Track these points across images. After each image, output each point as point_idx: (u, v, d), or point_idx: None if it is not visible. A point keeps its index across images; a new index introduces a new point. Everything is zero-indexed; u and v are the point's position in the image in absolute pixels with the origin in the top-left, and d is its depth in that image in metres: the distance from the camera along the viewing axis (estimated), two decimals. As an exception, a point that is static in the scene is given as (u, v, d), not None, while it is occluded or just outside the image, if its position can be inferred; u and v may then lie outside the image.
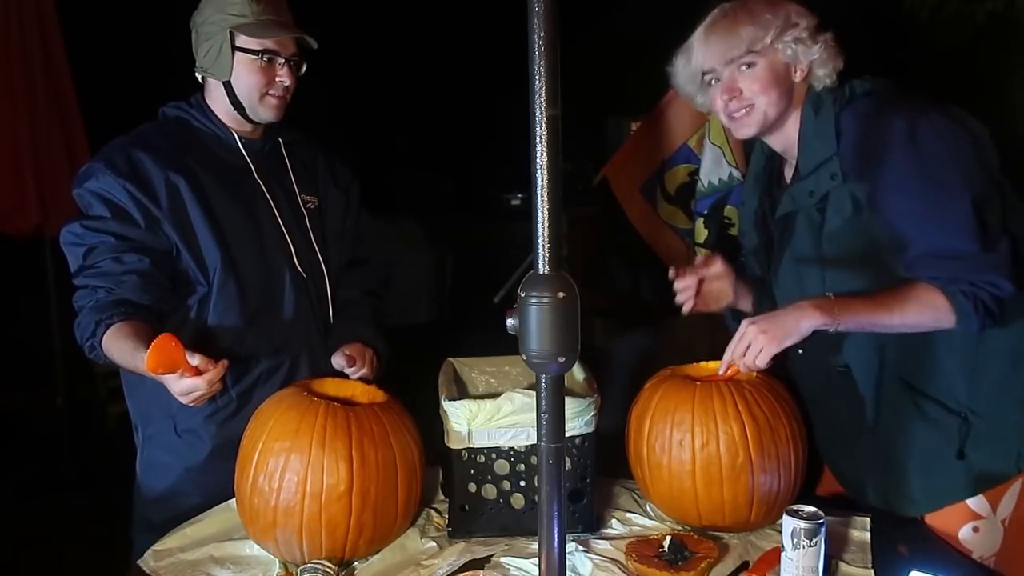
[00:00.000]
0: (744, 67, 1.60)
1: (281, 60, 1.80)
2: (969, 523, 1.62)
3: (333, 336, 1.93)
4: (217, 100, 1.85)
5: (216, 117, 1.86)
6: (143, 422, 1.88)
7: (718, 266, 1.84)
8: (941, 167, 1.48)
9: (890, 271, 1.54)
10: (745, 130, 1.64)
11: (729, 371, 1.63)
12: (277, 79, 1.81)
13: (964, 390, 1.59)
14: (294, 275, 1.87)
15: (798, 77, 1.62)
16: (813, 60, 1.59)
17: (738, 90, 1.61)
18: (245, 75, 1.80)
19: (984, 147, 1.54)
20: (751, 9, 1.59)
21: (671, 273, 1.83)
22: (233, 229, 1.81)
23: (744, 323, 1.56)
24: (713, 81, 1.65)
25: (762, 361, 1.53)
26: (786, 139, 1.68)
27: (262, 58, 1.78)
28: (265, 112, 1.83)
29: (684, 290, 1.82)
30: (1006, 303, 1.48)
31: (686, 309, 1.83)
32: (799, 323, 1.52)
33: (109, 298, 1.67)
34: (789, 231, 1.69)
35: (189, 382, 1.53)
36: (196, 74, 1.87)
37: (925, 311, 1.50)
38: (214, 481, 1.73)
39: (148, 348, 1.49)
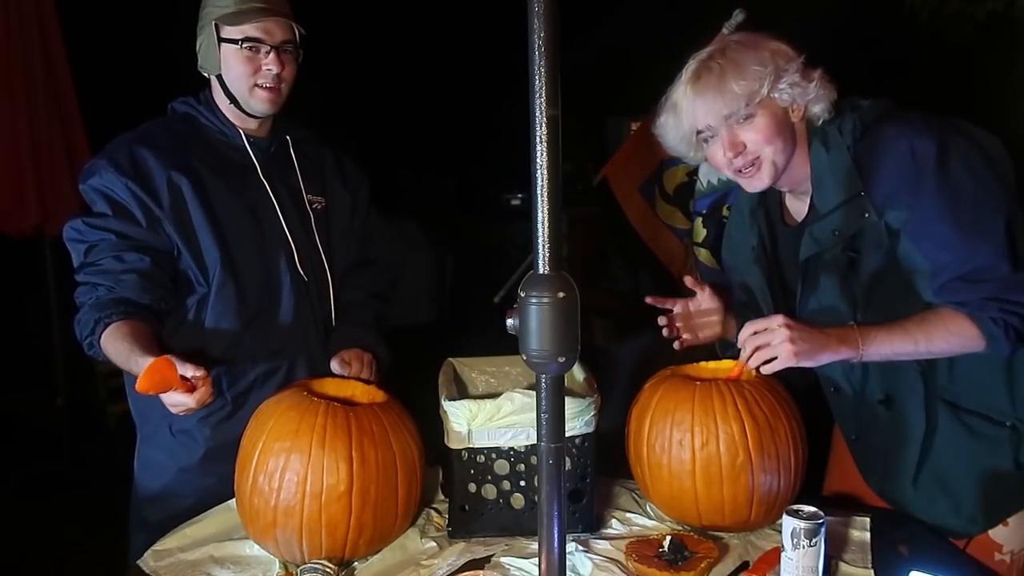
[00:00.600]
0: (743, 119, 1.53)
1: (267, 48, 1.76)
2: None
3: (334, 340, 1.92)
4: (219, 96, 1.84)
5: (222, 114, 1.85)
6: (141, 420, 1.88)
7: (707, 300, 1.82)
8: (972, 191, 1.46)
9: (920, 303, 1.52)
10: (757, 183, 1.58)
11: (734, 370, 1.62)
12: (263, 67, 1.77)
13: (1007, 400, 1.57)
14: (295, 277, 1.86)
15: (796, 117, 1.57)
16: (809, 99, 1.54)
17: (741, 144, 1.54)
18: (232, 65, 1.78)
19: (1002, 162, 1.52)
20: (737, 61, 1.52)
21: (647, 300, 1.82)
22: (234, 230, 1.80)
23: (778, 319, 1.48)
24: (709, 138, 1.58)
25: (769, 369, 1.50)
26: (791, 179, 1.63)
27: (243, 46, 1.75)
28: (257, 104, 1.81)
29: (666, 325, 1.81)
30: None
31: (677, 344, 1.81)
32: (824, 352, 1.48)
33: (109, 296, 1.67)
34: (814, 272, 1.64)
35: (179, 397, 1.52)
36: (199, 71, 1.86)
37: (952, 338, 1.48)
38: (208, 482, 1.74)
39: (142, 353, 1.51)
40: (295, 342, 1.87)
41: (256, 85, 1.79)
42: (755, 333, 1.50)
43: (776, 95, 1.52)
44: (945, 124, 1.52)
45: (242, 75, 1.78)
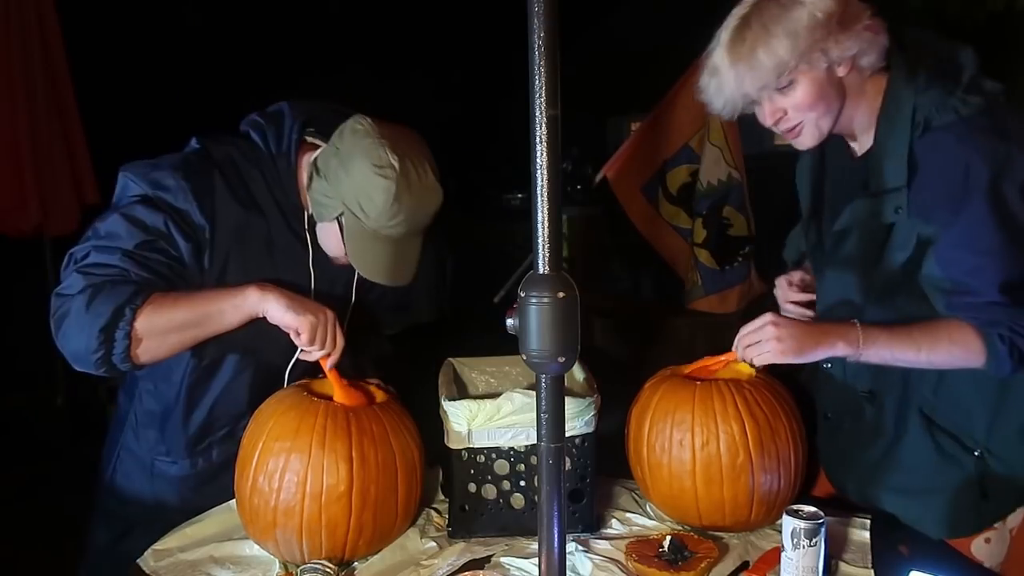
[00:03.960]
0: (781, 88, 1.47)
1: None
2: (982, 535, 1.60)
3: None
4: (304, 182, 1.64)
5: (295, 188, 1.66)
6: (124, 431, 1.77)
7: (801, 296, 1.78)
8: (1013, 225, 1.41)
9: (930, 309, 1.50)
10: (804, 143, 1.54)
11: (726, 357, 1.63)
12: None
13: (983, 429, 1.56)
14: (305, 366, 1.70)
15: (843, 72, 1.47)
16: (852, 55, 1.45)
17: (781, 111, 1.50)
18: (329, 242, 1.63)
19: None
20: (767, 28, 1.43)
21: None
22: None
23: (767, 318, 1.49)
24: (753, 103, 1.52)
25: (761, 362, 1.52)
26: (848, 129, 1.56)
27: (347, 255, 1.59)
28: (335, 260, 1.66)
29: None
30: None
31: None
32: (816, 348, 1.48)
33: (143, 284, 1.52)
34: (843, 245, 1.61)
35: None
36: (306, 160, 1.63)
37: (955, 350, 1.46)
38: (188, 505, 1.68)
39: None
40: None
41: (342, 259, 1.64)
42: (745, 336, 1.53)
43: (808, 64, 1.44)
44: (1014, 148, 1.42)
45: (331, 253, 1.65)
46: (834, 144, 1.66)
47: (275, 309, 1.53)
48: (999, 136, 1.43)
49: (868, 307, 1.59)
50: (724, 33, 1.49)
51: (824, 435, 1.79)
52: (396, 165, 1.49)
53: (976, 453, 1.56)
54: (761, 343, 1.50)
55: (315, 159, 1.60)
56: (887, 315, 1.55)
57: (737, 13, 1.48)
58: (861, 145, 1.61)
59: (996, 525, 1.60)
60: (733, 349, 1.57)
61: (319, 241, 1.66)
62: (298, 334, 1.55)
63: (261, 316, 1.55)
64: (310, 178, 1.59)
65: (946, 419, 1.58)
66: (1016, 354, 1.42)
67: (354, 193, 1.51)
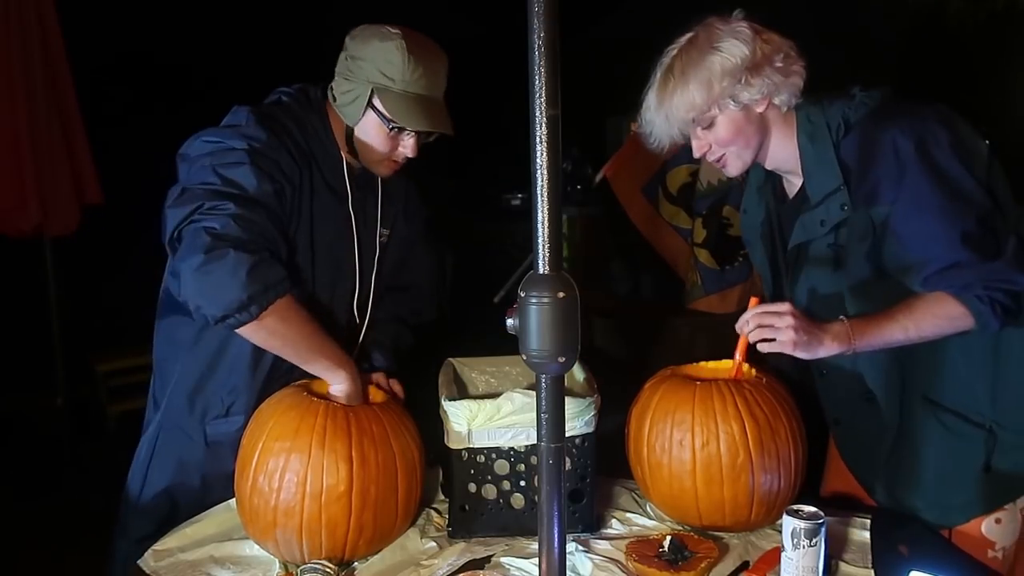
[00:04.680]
0: (703, 125, 1.60)
1: (411, 131, 1.69)
2: (992, 515, 1.62)
3: None
4: (337, 124, 1.74)
5: (333, 136, 1.75)
6: (169, 414, 1.78)
7: None
8: (951, 182, 1.47)
9: (907, 289, 1.53)
10: (731, 172, 1.67)
11: (734, 369, 1.64)
12: (401, 148, 1.71)
13: (987, 401, 1.58)
14: (349, 318, 1.81)
15: (761, 108, 1.59)
16: (764, 95, 1.56)
17: (707, 144, 1.63)
18: (371, 135, 1.70)
19: (980, 148, 1.53)
20: (684, 73, 1.55)
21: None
22: (313, 257, 1.73)
23: (787, 307, 1.51)
24: (686, 136, 1.65)
25: (768, 349, 1.53)
26: (776, 162, 1.67)
27: (391, 129, 1.67)
28: (379, 170, 1.76)
29: None
30: (1023, 297, 1.47)
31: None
32: (819, 348, 1.50)
33: (263, 245, 1.56)
34: (803, 259, 1.69)
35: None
36: (329, 93, 1.75)
37: (940, 321, 1.49)
38: (229, 495, 1.67)
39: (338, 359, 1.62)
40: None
41: (386, 159, 1.73)
42: (763, 313, 1.53)
43: (721, 106, 1.56)
44: (929, 118, 1.53)
45: (377, 147, 1.71)
46: (771, 191, 1.79)
47: (341, 396, 1.64)
48: (910, 112, 1.55)
49: (848, 306, 1.61)
50: (656, 74, 1.61)
51: (842, 442, 1.80)
52: (398, 31, 1.66)
53: (987, 427, 1.58)
54: (778, 330, 1.50)
55: (335, 74, 1.73)
56: (868, 308, 1.57)
57: (667, 55, 1.61)
58: (793, 185, 1.72)
59: (1007, 506, 1.61)
60: (740, 327, 1.56)
61: (363, 143, 1.72)
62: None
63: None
64: (335, 98, 1.72)
65: (950, 398, 1.60)
66: (999, 308, 1.45)
67: (375, 66, 1.64)
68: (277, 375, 1.73)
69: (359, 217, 1.80)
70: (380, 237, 1.87)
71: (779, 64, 1.55)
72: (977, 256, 1.45)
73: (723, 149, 1.62)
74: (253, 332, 1.56)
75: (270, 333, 1.57)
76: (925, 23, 4.55)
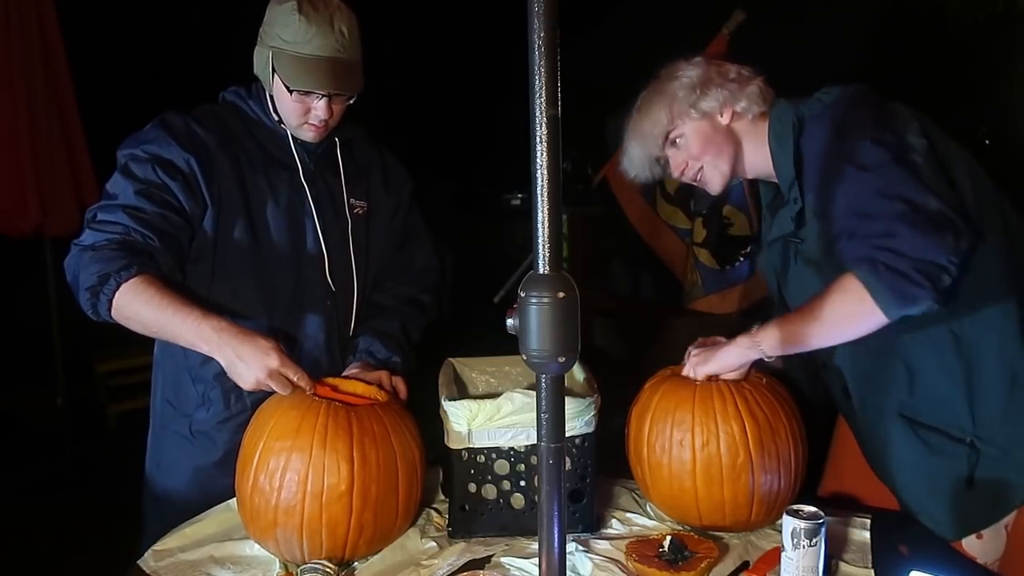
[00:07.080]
0: (673, 145, 1.70)
1: (319, 95, 1.69)
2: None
3: (349, 348, 1.87)
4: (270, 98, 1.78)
5: (270, 111, 1.78)
6: (159, 419, 1.85)
7: None
8: (856, 159, 1.47)
9: None
10: (713, 188, 1.72)
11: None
12: (313, 111, 1.71)
13: (967, 417, 1.57)
14: (324, 287, 1.82)
15: (726, 119, 1.67)
16: (723, 104, 1.65)
17: (683, 162, 1.71)
18: (283, 100, 1.72)
19: (916, 141, 1.50)
20: (650, 102, 1.70)
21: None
22: (268, 232, 1.76)
23: (691, 349, 1.70)
24: (664, 164, 1.75)
25: (700, 376, 1.64)
26: (755, 170, 1.72)
27: (291, 91, 1.68)
28: (304, 134, 1.77)
29: None
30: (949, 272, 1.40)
31: None
32: (727, 358, 1.61)
33: (126, 239, 1.62)
34: (789, 257, 1.73)
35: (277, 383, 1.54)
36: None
37: (838, 298, 1.45)
38: (224, 483, 1.69)
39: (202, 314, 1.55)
40: (318, 348, 1.83)
41: (304, 122, 1.74)
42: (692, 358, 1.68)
43: (684, 120, 1.67)
44: (863, 107, 1.56)
45: (291, 112, 1.72)
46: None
47: (221, 362, 1.57)
48: (851, 104, 1.59)
49: None
50: (632, 113, 1.74)
51: (859, 440, 1.80)
52: None
53: (967, 441, 1.57)
54: (694, 367, 1.65)
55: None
56: None
57: (640, 96, 1.74)
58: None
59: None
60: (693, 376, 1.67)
61: (280, 109, 1.75)
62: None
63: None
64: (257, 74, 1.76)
65: (928, 415, 1.59)
66: (888, 277, 1.39)
67: (274, 30, 1.67)
68: None
69: (318, 187, 1.82)
70: (354, 209, 1.88)
71: (732, 77, 1.67)
72: (867, 224, 1.42)
73: (698, 162, 1.69)
74: (123, 321, 1.60)
75: (127, 318, 1.58)
76: (925, 23, 4.55)
